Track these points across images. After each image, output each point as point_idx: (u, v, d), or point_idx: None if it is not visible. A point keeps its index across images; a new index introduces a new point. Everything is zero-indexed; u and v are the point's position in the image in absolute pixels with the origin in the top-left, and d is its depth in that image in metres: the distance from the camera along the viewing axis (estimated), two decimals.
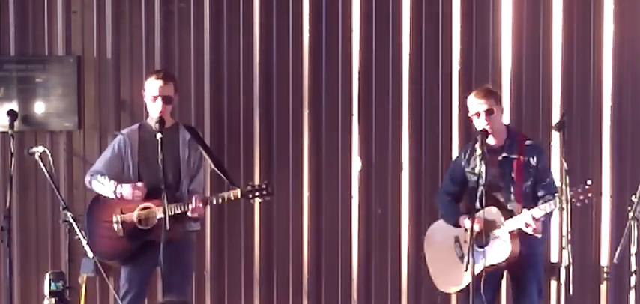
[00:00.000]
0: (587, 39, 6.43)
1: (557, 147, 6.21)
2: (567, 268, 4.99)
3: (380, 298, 6.63)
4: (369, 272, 6.64)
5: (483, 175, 5.23)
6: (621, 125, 6.45)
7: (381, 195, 6.60)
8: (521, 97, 6.48)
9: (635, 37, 6.40)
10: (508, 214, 5.41)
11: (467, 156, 5.60)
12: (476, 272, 5.31)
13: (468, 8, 6.49)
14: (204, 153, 5.67)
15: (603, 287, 6.48)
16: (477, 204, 5.27)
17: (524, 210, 5.34)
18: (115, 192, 5.54)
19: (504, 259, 5.40)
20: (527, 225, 5.32)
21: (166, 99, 5.56)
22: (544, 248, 5.76)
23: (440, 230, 5.74)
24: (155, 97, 5.54)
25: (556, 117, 6.38)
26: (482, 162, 5.25)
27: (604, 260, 6.48)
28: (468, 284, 5.42)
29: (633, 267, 4.98)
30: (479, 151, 5.27)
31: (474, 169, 5.42)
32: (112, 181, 5.57)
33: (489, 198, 5.39)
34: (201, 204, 5.48)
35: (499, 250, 5.40)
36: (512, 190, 5.44)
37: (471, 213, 5.29)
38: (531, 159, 5.48)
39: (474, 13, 6.49)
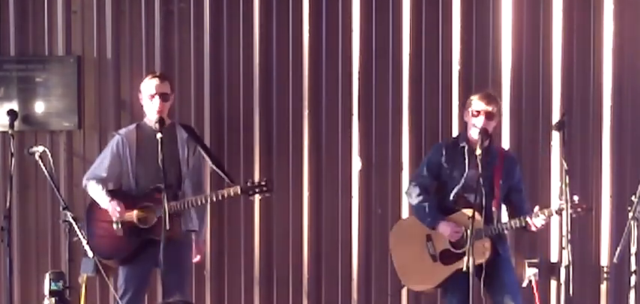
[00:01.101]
0: (587, 39, 6.43)
1: (557, 147, 6.22)
2: (567, 268, 5.00)
3: (380, 298, 6.62)
4: (369, 272, 6.64)
5: (481, 176, 5.23)
6: (621, 125, 6.45)
7: (381, 195, 6.60)
8: (521, 97, 6.48)
9: (635, 36, 6.40)
10: (485, 216, 5.35)
11: (446, 152, 5.59)
12: (452, 272, 5.45)
13: (468, 8, 6.49)
14: (202, 152, 5.67)
15: (603, 287, 6.49)
16: (473, 201, 5.27)
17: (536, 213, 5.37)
18: (106, 202, 5.57)
19: (484, 260, 5.36)
20: (533, 225, 5.40)
21: (164, 97, 5.57)
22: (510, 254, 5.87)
23: (409, 227, 5.73)
24: (152, 96, 5.55)
25: (556, 117, 6.38)
26: (482, 163, 5.26)
27: (604, 260, 6.48)
28: (439, 285, 5.55)
29: (633, 267, 4.98)
30: (478, 151, 5.28)
31: (456, 167, 5.49)
32: (105, 192, 5.60)
33: (461, 198, 5.48)
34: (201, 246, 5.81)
35: (479, 252, 5.32)
36: (490, 192, 5.40)
37: (472, 209, 5.26)
38: (509, 167, 5.58)
39: (473, 13, 6.49)
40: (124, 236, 5.55)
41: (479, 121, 5.44)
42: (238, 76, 6.62)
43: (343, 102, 6.60)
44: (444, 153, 5.60)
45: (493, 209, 5.47)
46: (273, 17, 6.59)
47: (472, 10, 6.49)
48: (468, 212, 5.34)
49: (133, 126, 5.75)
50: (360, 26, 6.55)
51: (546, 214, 5.33)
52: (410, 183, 5.76)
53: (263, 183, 5.60)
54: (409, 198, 5.71)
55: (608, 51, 6.41)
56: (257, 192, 5.59)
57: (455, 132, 6.47)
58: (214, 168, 5.72)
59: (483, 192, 5.20)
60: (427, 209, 5.58)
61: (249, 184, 5.59)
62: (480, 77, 6.48)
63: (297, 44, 6.58)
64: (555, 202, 5.38)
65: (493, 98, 5.56)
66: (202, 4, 6.59)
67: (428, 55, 6.52)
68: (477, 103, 5.50)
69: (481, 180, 5.20)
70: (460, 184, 5.47)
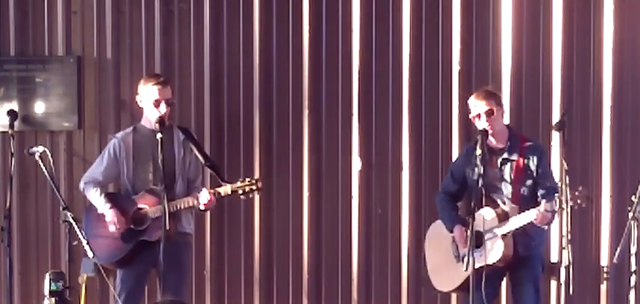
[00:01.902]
0: (587, 39, 6.43)
1: (557, 147, 6.22)
2: (567, 268, 5.00)
3: (380, 298, 6.62)
4: (369, 272, 6.64)
5: (480, 176, 5.23)
6: (621, 125, 6.44)
7: (381, 195, 6.60)
8: (521, 97, 6.48)
9: (635, 36, 6.40)
10: (504, 216, 5.40)
11: (467, 155, 5.59)
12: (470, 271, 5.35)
13: (468, 8, 6.49)
14: (194, 149, 5.64)
15: (603, 287, 6.48)
16: (474, 205, 5.26)
17: (529, 211, 5.30)
18: (105, 209, 5.56)
19: (498, 259, 5.39)
20: (536, 219, 5.26)
21: (169, 102, 5.58)
22: (542, 249, 5.73)
23: (440, 230, 5.74)
24: (158, 102, 5.52)
25: (556, 117, 6.37)
26: (481, 164, 5.25)
27: (604, 260, 6.47)
28: (462, 284, 5.48)
29: (633, 267, 4.98)
30: (478, 151, 5.27)
31: (473, 169, 5.41)
32: (103, 197, 5.59)
33: (487, 198, 5.41)
34: (212, 196, 5.48)
35: (493, 251, 5.40)
36: (510, 191, 5.43)
37: (471, 212, 5.26)
38: (531, 161, 5.46)
39: (474, 13, 6.49)
40: (119, 238, 5.55)
41: (480, 124, 5.41)
42: (238, 76, 6.62)
43: (343, 102, 6.60)
44: (465, 156, 5.63)
45: (513, 206, 5.39)
46: (273, 17, 6.59)
47: (472, 10, 6.49)
48: (483, 211, 5.35)
49: (130, 129, 5.74)
50: (360, 26, 6.55)
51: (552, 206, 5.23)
52: (439, 191, 5.80)
53: (252, 183, 5.54)
54: (437, 206, 5.73)
55: (608, 51, 6.41)
56: (247, 192, 5.54)
57: (455, 132, 6.49)
58: (204, 163, 5.66)
59: (483, 192, 5.21)
60: (446, 212, 5.63)
61: (238, 184, 5.56)
62: (480, 77, 6.47)
63: (297, 44, 6.58)
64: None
65: (487, 93, 5.49)
66: (202, 4, 6.59)
67: (428, 55, 6.52)
68: (473, 106, 5.46)
69: (480, 179, 5.19)
70: (482, 186, 5.32)
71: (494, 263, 5.40)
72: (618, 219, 6.27)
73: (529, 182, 5.44)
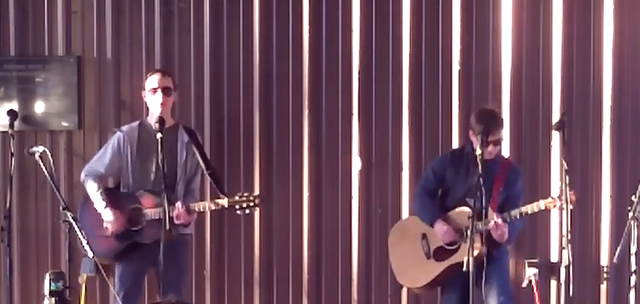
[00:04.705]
0: (587, 39, 6.43)
1: (557, 147, 6.22)
2: (567, 268, 5.00)
3: (380, 298, 6.62)
4: (369, 272, 6.64)
5: (480, 176, 5.28)
6: (621, 125, 6.44)
7: (381, 195, 6.60)
8: (521, 97, 6.48)
9: (635, 36, 6.40)
10: (481, 218, 5.44)
11: (453, 159, 5.73)
12: (443, 268, 5.59)
13: (468, 8, 6.49)
14: (198, 157, 5.64)
15: (603, 287, 6.49)
16: (480, 204, 5.33)
17: (495, 214, 5.45)
18: (101, 208, 5.55)
19: (476, 255, 5.40)
20: (496, 226, 5.40)
21: (166, 91, 5.58)
22: (508, 258, 5.89)
23: (408, 227, 5.88)
24: (155, 90, 5.57)
25: (556, 117, 6.37)
26: (481, 163, 5.32)
27: (604, 260, 6.48)
28: (431, 282, 5.68)
29: (633, 267, 4.98)
30: (479, 151, 5.33)
31: (457, 172, 5.62)
32: (101, 194, 5.60)
33: (464, 202, 5.57)
34: (184, 211, 5.43)
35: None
36: (490, 196, 5.48)
37: (479, 210, 5.37)
38: (511, 177, 5.63)
39: (474, 13, 6.49)
40: (112, 236, 5.55)
41: (491, 151, 5.49)
42: (238, 76, 6.62)
43: (343, 102, 6.60)
44: (448, 160, 5.75)
45: (490, 211, 5.48)
46: (273, 17, 6.59)
47: (472, 10, 6.49)
48: (465, 209, 5.47)
49: (136, 123, 5.76)
50: (360, 26, 6.55)
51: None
52: (418, 187, 5.91)
53: (251, 199, 5.53)
54: (415, 202, 5.85)
55: (608, 51, 6.41)
56: (244, 208, 5.52)
57: (455, 132, 6.50)
58: (206, 171, 5.67)
59: (484, 192, 5.25)
60: (427, 207, 5.74)
61: (236, 198, 5.54)
62: (479, 77, 6.48)
63: (297, 44, 6.58)
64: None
65: (499, 124, 5.57)
66: (202, 4, 6.59)
67: (428, 55, 6.52)
68: (493, 133, 5.48)
69: (481, 180, 5.22)
70: (463, 189, 5.57)
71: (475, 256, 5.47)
72: (618, 219, 6.27)
73: (505, 195, 5.59)
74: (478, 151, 5.32)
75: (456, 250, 5.57)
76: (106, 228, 5.56)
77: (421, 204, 5.80)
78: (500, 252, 5.64)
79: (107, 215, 5.54)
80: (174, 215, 5.41)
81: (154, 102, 5.58)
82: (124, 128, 5.76)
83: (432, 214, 5.69)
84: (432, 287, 5.83)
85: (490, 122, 5.52)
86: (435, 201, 5.76)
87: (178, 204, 5.43)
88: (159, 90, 5.56)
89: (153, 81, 5.62)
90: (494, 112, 5.75)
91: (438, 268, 5.65)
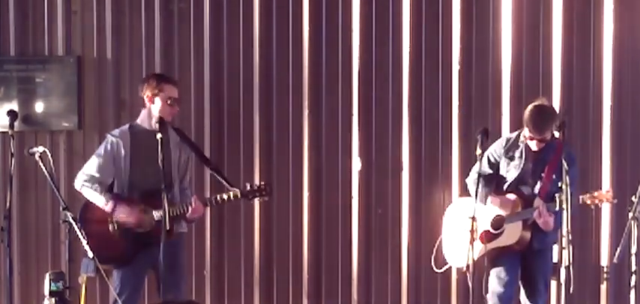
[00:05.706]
0: (587, 39, 6.44)
1: None
2: (567, 268, 5.00)
3: (380, 298, 6.63)
4: (369, 272, 6.64)
5: (522, 166, 5.50)
6: (621, 125, 6.45)
7: (381, 195, 6.60)
8: (522, 97, 6.47)
9: (635, 37, 6.40)
10: (524, 203, 5.57)
11: (507, 145, 5.70)
12: (488, 250, 5.65)
13: (468, 8, 6.50)
14: (199, 159, 5.64)
15: (603, 287, 6.49)
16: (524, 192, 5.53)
17: (538, 199, 5.50)
18: (108, 207, 5.55)
19: (515, 241, 5.56)
20: (540, 216, 5.45)
21: (178, 103, 5.64)
22: (551, 253, 5.78)
23: (457, 210, 5.90)
24: (175, 100, 5.57)
25: None
26: (480, 162, 5.43)
27: (604, 260, 6.48)
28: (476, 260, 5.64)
29: (633, 267, 4.99)
30: (479, 151, 5.35)
31: (511, 158, 5.64)
32: (107, 196, 5.56)
33: (516, 189, 5.61)
34: (201, 205, 5.50)
35: (511, 233, 5.58)
36: (538, 186, 5.54)
37: (517, 192, 5.57)
38: (565, 164, 5.48)
39: (473, 13, 6.50)
40: (119, 238, 5.54)
41: (531, 144, 5.54)
42: (238, 76, 6.62)
43: (343, 102, 6.60)
44: (505, 145, 5.73)
45: (538, 199, 5.51)
46: (273, 17, 6.59)
47: (472, 10, 6.50)
48: (511, 196, 5.59)
49: (126, 127, 5.70)
50: (360, 26, 6.55)
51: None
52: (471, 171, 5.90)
53: (262, 187, 5.59)
54: (469, 182, 5.81)
55: (608, 51, 6.42)
56: (256, 196, 5.58)
57: (455, 132, 6.51)
58: (214, 173, 5.70)
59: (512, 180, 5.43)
60: (481, 185, 5.65)
61: (248, 188, 5.57)
62: (480, 77, 6.48)
63: (297, 44, 6.58)
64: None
65: (547, 125, 5.51)
66: (202, 4, 6.59)
67: (428, 55, 6.52)
68: (535, 133, 5.50)
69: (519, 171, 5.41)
70: (516, 175, 5.61)
71: (510, 244, 5.59)
72: (618, 219, 6.28)
73: (557, 183, 5.47)
74: (478, 151, 5.34)
75: (500, 234, 5.61)
76: (111, 223, 5.52)
77: (475, 184, 5.63)
78: (544, 242, 5.62)
79: (120, 211, 5.51)
80: (191, 209, 5.45)
81: (166, 111, 5.54)
82: (116, 132, 5.69)
83: (486, 192, 5.68)
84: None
85: (534, 125, 5.49)
86: (490, 179, 5.74)
87: (194, 199, 5.48)
88: (175, 102, 5.57)
89: (173, 91, 5.58)
90: (541, 114, 5.57)
91: (483, 248, 5.67)
